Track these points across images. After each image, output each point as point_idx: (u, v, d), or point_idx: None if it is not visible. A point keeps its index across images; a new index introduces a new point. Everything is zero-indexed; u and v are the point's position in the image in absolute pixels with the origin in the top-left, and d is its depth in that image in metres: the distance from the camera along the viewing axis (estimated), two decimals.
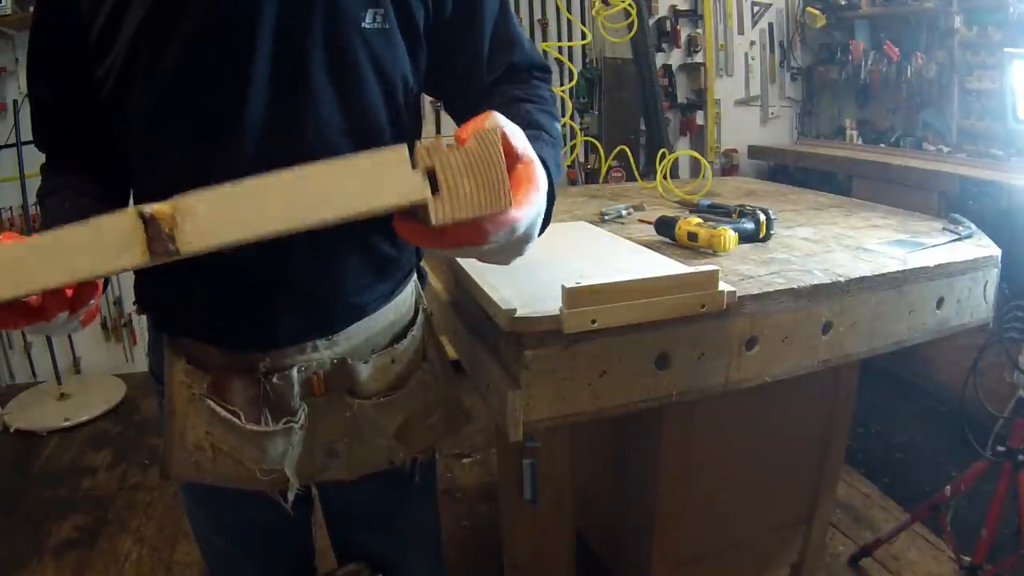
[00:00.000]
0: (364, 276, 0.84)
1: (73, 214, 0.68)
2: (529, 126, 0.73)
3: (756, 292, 0.90)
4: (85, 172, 0.80)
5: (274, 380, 0.81)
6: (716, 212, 1.33)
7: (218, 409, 0.80)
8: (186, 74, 0.68)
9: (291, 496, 0.86)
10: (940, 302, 1.08)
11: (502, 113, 0.58)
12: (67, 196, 0.76)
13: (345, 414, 0.85)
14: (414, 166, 0.50)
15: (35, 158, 3.06)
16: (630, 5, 1.91)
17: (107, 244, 0.49)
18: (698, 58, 3.67)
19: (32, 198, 2.96)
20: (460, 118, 0.86)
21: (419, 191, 0.50)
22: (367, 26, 0.74)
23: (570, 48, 3.53)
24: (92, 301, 0.60)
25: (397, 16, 0.76)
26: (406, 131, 0.80)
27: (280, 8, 0.68)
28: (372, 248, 0.83)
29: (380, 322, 0.87)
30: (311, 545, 1.07)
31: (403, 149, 0.50)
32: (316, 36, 0.70)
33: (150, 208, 0.48)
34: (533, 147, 0.59)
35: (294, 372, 0.81)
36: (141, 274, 0.82)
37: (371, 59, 0.75)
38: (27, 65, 0.81)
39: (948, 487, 1.72)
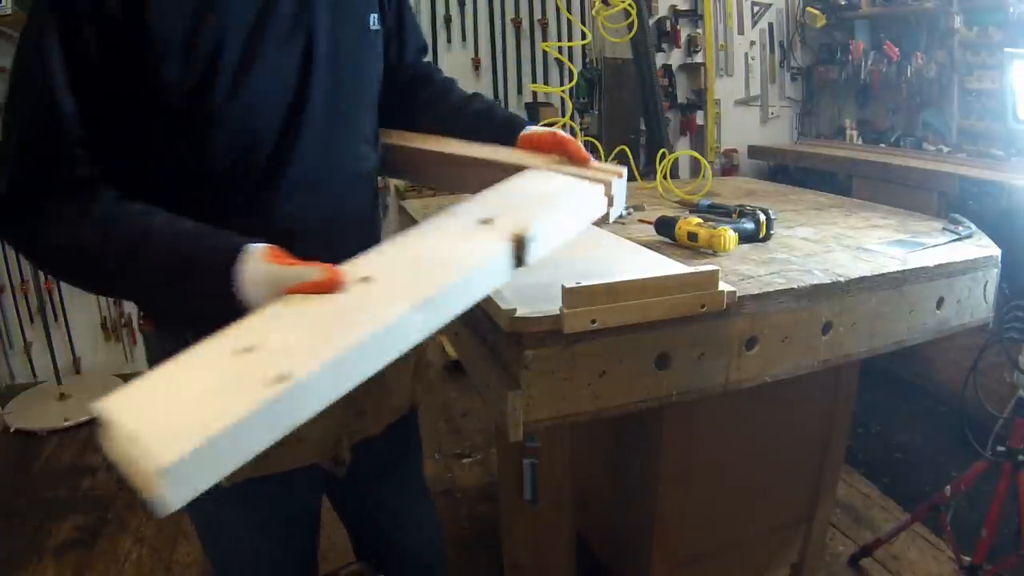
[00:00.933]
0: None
1: (192, 231, 0.71)
2: (506, 119, 0.96)
3: (756, 292, 0.90)
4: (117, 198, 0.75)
5: None
6: (716, 212, 1.32)
7: None
8: (266, 83, 0.77)
9: (346, 459, 0.93)
10: (940, 302, 1.08)
11: (464, 122, 0.96)
12: (167, 218, 0.73)
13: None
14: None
15: None
16: (630, 5, 1.91)
17: (495, 269, 0.66)
18: (698, 58, 3.67)
19: None
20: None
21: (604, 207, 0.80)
22: (373, 27, 0.89)
23: (570, 48, 3.53)
24: None
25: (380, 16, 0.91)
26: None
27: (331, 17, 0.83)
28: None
29: None
30: (318, 543, 1.08)
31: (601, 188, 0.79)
32: (347, 42, 0.85)
33: (511, 235, 0.67)
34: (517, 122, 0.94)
35: None
36: None
37: (377, 59, 0.92)
38: (45, 90, 0.70)
39: (948, 487, 1.72)
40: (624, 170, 0.82)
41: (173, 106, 0.73)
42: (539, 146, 0.88)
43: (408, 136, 0.99)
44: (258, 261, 0.65)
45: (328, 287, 0.60)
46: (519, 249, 0.66)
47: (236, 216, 0.76)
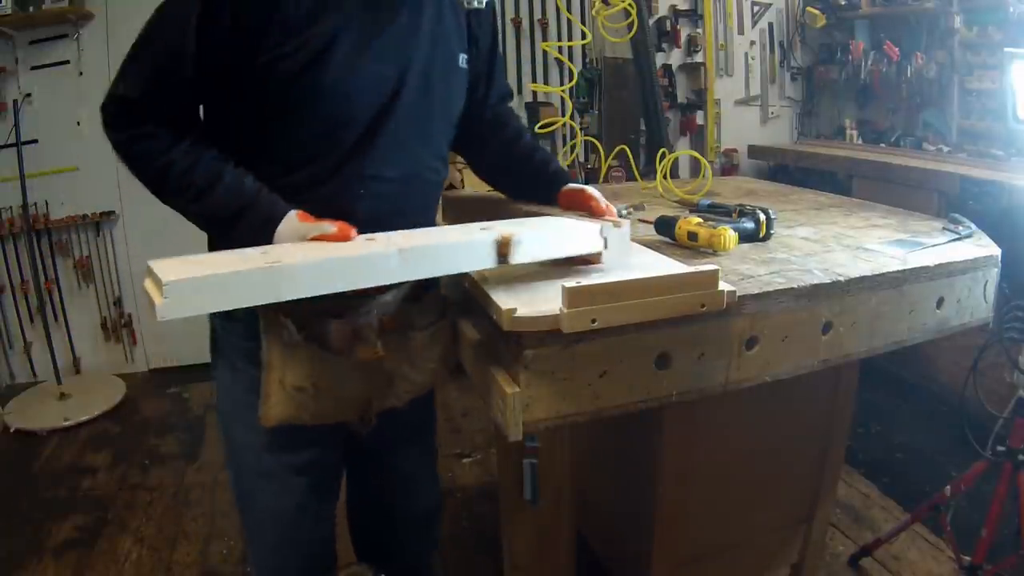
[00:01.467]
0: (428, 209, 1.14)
1: (253, 185, 0.93)
2: (554, 173, 1.23)
3: (756, 292, 0.90)
4: (200, 140, 0.95)
5: (359, 321, 0.96)
6: (716, 212, 1.32)
7: (320, 352, 0.96)
8: (366, 83, 0.96)
9: (372, 422, 1.07)
10: (940, 302, 1.08)
11: (522, 167, 1.26)
12: (238, 170, 0.94)
13: (408, 344, 1.03)
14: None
15: (35, 158, 3.06)
16: (630, 5, 1.91)
17: (480, 252, 0.86)
18: (698, 58, 3.67)
19: (32, 197, 2.97)
20: (463, 143, 1.23)
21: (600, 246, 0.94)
22: (461, 66, 1.09)
23: (570, 48, 3.53)
24: None
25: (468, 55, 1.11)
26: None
27: (428, 51, 1.01)
28: (433, 184, 1.12)
29: None
30: (337, 497, 1.23)
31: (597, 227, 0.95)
32: (438, 71, 1.04)
33: (499, 235, 0.85)
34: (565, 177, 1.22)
35: (373, 311, 0.97)
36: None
37: (461, 92, 1.12)
38: (170, 39, 0.89)
39: (948, 487, 1.72)
40: (626, 223, 0.99)
41: (285, 76, 0.90)
42: (573, 199, 1.14)
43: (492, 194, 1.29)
44: (292, 219, 0.90)
45: (339, 238, 0.86)
46: (503, 247, 0.85)
47: (317, 185, 0.96)
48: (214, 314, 1.05)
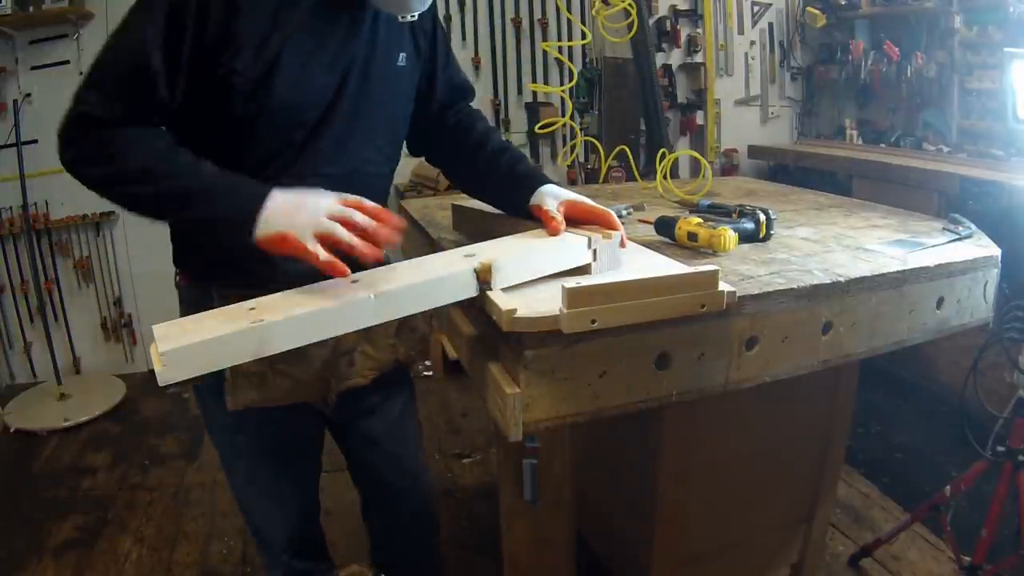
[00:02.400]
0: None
1: (214, 170, 0.92)
2: (521, 178, 1.12)
3: (756, 292, 0.90)
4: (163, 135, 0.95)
5: None
6: (716, 212, 1.32)
7: None
8: (311, 93, 0.99)
9: (332, 400, 1.14)
10: (940, 302, 1.08)
11: (490, 174, 1.17)
12: (196, 157, 0.93)
13: None
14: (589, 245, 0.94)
15: (35, 158, 3.05)
16: (630, 5, 1.91)
17: (459, 283, 0.85)
18: (698, 58, 3.67)
19: (32, 197, 2.96)
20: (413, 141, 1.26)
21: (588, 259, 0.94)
22: (400, 64, 1.10)
23: (570, 48, 3.53)
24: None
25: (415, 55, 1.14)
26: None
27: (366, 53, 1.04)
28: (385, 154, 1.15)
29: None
30: (319, 472, 1.29)
31: (583, 239, 0.94)
32: (376, 72, 1.06)
33: (479, 264, 0.86)
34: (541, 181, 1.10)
35: None
36: (189, 235, 1.08)
37: (403, 90, 1.15)
38: (158, 42, 0.89)
39: (948, 487, 1.72)
40: (616, 235, 0.95)
41: (240, 90, 0.93)
42: (577, 216, 1.04)
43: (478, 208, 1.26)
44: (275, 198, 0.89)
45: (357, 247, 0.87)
46: (485, 273, 0.85)
47: (270, 182, 0.94)
48: (181, 304, 1.13)
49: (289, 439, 1.19)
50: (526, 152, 3.57)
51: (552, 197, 1.05)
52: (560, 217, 1.00)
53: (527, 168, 1.15)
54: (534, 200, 1.06)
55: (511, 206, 1.14)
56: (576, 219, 1.02)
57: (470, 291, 0.86)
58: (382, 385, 1.20)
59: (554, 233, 0.98)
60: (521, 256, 0.90)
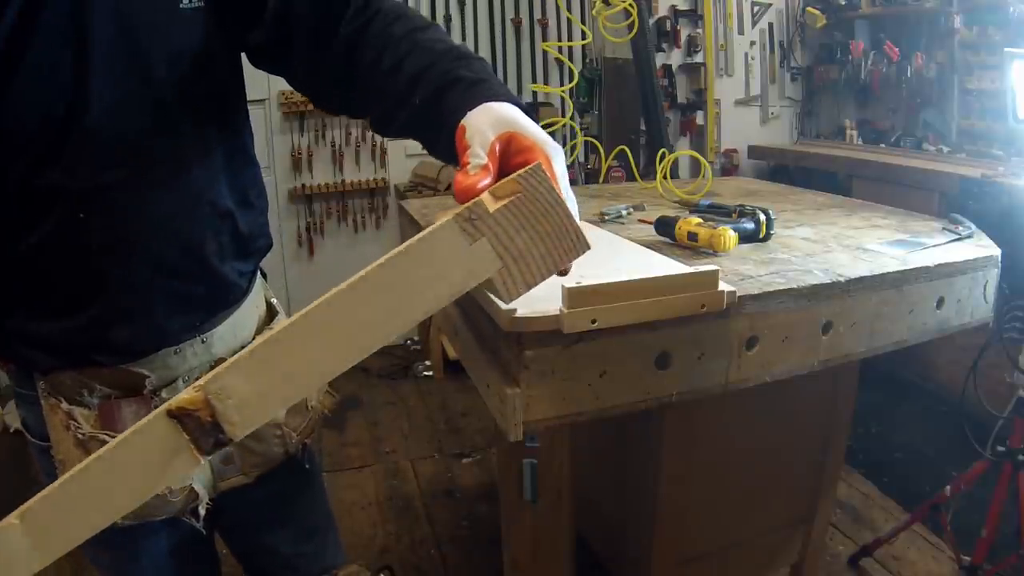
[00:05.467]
0: (227, 251, 0.84)
1: None
2: (456, 56, 0.68)
3: (756, 292, 0.90)
4: None
5: (162, 395, 0.82)
6: (716, 212, 1.32)
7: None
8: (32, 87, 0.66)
9: (202, 511, 0.88)
10: (940, 302, 1.08)
11: (393, 93, 0.67)
12: None
13: None
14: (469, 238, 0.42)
15: None
16: (630, 5, 1.91)
17: (151, 462, 0.43)
18: (698, 58, 3.67)
19: None
20: (316, 78, 0.78)
21: (478, 274, 0.42)
22: (187, 5, 0.73)
23: (570, 48, 3.53)
24: None
25: None
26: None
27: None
28: (229, 220, 0.84)
29: (247, 316, 0.90)
30: (217, 556, 1.07)
31: (452, 226, 0.41)
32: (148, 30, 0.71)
33: (176, 402, 0.42)
34: (484, 80, 0.62)
35: (180, 383, 0.82)
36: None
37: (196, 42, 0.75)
38: None
39: (948, 487, 1.72)
40: (531, 171, 0.50)
41: None
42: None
43: None
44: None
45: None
46: (199, 434, 0.43)
47: None
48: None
49: (177, 549, 0.94)
50: None
51: (490, 128, 0.59)
52: (488, 162, 0.55)
53: (458, 96, 0.65)
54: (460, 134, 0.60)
55: (446, 154, 0.67)
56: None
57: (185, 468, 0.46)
58: (273, 485, 0.96)
59: (465, 193, 0.51)
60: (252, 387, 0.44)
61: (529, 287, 0.45)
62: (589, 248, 0.46)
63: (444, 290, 0.42)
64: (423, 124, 0.69)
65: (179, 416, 0.42)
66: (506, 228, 0.41)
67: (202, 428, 0.43)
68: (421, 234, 0.43)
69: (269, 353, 0.43)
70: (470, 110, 0.61)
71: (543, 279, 0.46)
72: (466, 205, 0.43)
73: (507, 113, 0.60)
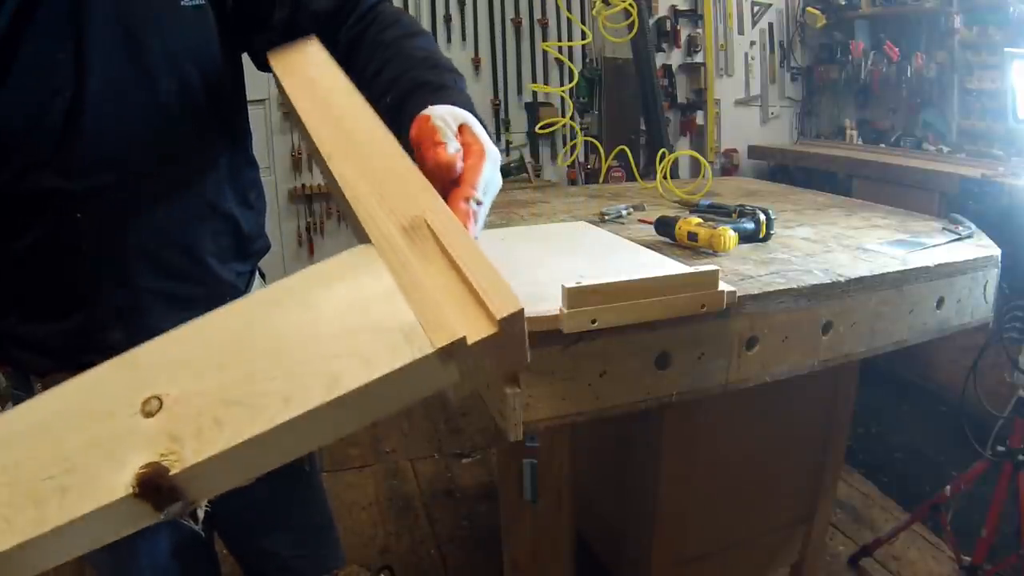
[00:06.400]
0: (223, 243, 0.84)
1: None
2: (432, 65, 0.71)
3: (756, 292, 0.90)
4: None
5: None
6: (716, 212, 1.32)
7: None
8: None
9: (201, 514, 0.88)
10: (940, 302, 1.08)
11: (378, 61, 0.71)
12: None
13: None
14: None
15: None
16: (630, 5, 1.91)
17: (111, 523, 0.40)
18: (698, 58, 3.67)
19: None
20: None
21: (435, 388, 0.42)
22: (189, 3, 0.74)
23: (570, 48, 3.53)
24: None
25: None
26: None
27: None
28: (227, 218, 0.84)
29: None
30: (216, 557, 1.07)
31: (433, 360, 0.40)
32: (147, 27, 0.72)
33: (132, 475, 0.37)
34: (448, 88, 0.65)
35: None
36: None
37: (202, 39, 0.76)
38: None
39: (948, 487, 1.72)
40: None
41: None
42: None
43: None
44: None
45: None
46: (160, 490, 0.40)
47: None
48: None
49: (178, 548, 0.95)
50: (525, 153, 3.57)
51: (451, 116, 0.60)
52: (456, 144, 0.56)
53: (420, 99, 0.65)
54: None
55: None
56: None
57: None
58: (270, 486, 0.91)
59: (442, 167, 0.54)
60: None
61: (473, 390, 0.46)
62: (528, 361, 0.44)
63: (398, 405, 0.43)
64: (391, 125, 0.68)
65: (141, 483, 0.39)
66: (477, 357, 0.42)
67: (162, 491, 0.40)
68: (398, 364, 0.40)
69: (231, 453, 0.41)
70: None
71: (486, 383, 0.49)
72: (450, 340, 0.40)
73: (461, 110, 0.62)
